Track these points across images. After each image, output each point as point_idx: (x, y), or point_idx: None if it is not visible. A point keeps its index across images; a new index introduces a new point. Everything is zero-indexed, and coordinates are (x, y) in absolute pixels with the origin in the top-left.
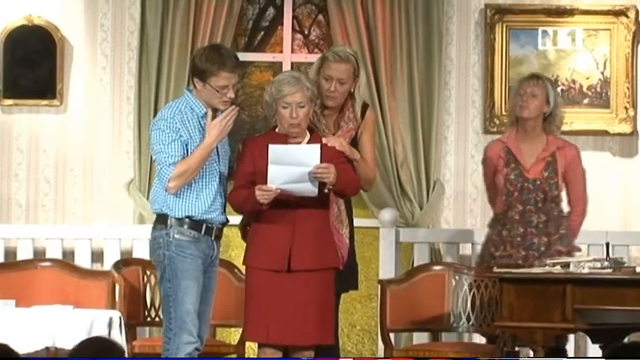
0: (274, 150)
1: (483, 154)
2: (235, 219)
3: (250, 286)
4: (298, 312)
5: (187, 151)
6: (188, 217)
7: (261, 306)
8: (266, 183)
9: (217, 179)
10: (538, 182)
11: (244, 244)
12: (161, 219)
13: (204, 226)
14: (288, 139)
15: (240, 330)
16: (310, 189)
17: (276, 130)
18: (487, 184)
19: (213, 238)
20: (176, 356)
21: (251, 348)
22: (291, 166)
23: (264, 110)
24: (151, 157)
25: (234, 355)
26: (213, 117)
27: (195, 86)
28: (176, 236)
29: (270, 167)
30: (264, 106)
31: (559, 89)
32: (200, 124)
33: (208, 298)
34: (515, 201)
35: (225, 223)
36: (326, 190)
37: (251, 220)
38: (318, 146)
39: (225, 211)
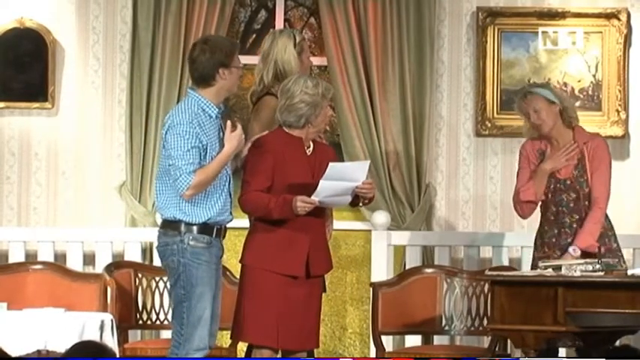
0: (333, 168)
1: (520, 149)
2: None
3: (262, 290)
4: (307, 317)
5: (207, 154)
6: (204, 222)
7: (273, 310)
8: (289, 176)
9: (227, 183)
10: (569, 182)
11: (238, 247)
12: (173, 225)
13: (215, 229)
14: (304, 140)
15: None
16: (346, 200)
17: (284, 128)
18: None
19: (221, 238)
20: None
21: (242, 350)
22: (341, 181)
23: (302, 109)
24: (143, 160)
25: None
26: (223, 119)
27: (219, 79)
28: (191, 243)
29: (322, 182)
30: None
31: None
32: (214, 125)
33: (217, 295)
34: (550, 202)
35: (231, 220)
36: (361, 204)
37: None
38: (368, 162)
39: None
